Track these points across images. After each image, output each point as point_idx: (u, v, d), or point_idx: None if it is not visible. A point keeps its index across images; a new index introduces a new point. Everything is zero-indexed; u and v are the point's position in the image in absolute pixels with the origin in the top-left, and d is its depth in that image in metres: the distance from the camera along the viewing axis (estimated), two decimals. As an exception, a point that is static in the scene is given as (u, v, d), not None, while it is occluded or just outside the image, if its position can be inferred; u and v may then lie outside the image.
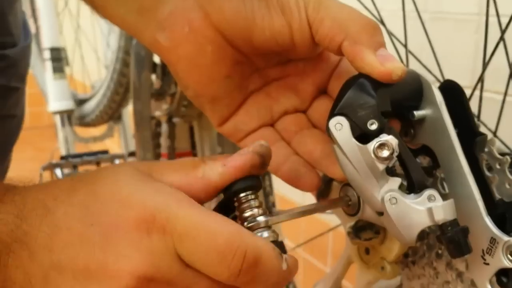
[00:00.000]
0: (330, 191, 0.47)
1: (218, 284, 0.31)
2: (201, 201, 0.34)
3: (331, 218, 0.48)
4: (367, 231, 0.44)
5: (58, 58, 1.46)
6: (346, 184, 0.43)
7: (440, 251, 0.44)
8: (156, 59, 0.90)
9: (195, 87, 0.40)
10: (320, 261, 1.37)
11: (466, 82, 0.49)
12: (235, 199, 0.35)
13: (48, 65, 1.45)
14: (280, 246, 0.33)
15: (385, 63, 0.35)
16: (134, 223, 0.30)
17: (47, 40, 1.47)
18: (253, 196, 0.35)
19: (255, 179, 0.35)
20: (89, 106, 1.46)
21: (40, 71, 1.63)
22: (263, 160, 0.34)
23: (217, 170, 0.33)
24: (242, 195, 0.34)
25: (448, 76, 0.51)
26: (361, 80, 0.36)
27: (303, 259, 1.43)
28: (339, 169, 0.37)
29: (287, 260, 0.33)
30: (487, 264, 0.37)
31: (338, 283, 0.52)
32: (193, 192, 0.33)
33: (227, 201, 0.35)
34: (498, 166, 0.40)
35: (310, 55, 0.40)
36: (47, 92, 1.48)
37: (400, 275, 0.48)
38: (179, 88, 0.90)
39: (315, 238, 0.72)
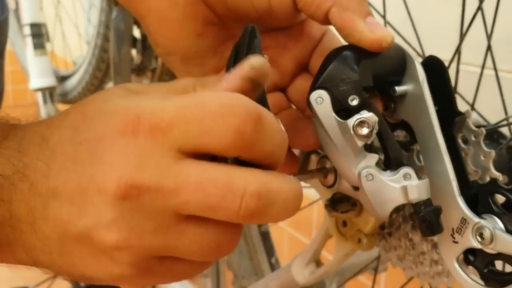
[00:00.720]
0: (308, 164, 0.47)
1: (211, 169, 0.28)
2: None
3: (315, 193, 0.48)
4: (344, 203, 0.44)
5: (39, 34, 1.43)
6: (323, 156, 0.43)
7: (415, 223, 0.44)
8: (136, 33, 0.88)
9: (165, 43, 0.39)
10: (305, 235, 1.38)
11: (448, 56, 0.49)
12: None
13: (29, 41, 1.43)
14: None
15: (374, 30, 0.34)
16: (119, 130, 0.28)
17: (27, 15, 1.44)
18: None
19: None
20: (71, 82, 1.44)
21: (21, 48, 1.60)
22: (255, 85, 0.30)
23: None
24: None
25: (428, 48, 0.51)
26: (344, 53, 0.35)
27: (288, 233, 1.44)
28: (306, 137, 0.37)
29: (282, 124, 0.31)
30: (456, 242, 0.37)
31: (317, 255, 0.52)
32: None
33: None
34: (473, 138, 0.40)
35: (289, 23, 0.39)
36: (28, 69, 1.46)
37: (378, 247, 0.48)
38: (159, 61, 0.89)
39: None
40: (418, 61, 0.37)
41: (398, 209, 0.45)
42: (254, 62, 0.30)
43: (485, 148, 0.39)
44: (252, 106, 0.28)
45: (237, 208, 0.28)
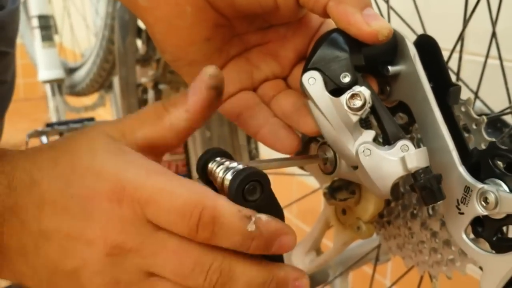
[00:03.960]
0: (308, 152, 0.47)
1: (186, 244, 0.33)
2: (175, 147, 0.37)
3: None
4: (342, 191, 0.44)
5: (47, 26, 1.44)
6: (323, 143, 0.43)
7: (414, 211, 0.43)
8: (141, 24, 0.88)
9: (173, 51, 0.39)
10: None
11: (452, 45, 0.48)
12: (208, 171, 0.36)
13: (37, 33, 1.44)
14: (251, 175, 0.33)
15: (371, 22, 0.34)
16: (107, 195, 0.32)
17: (35, 7, 1.45)
18: (223, 159, 0.35)
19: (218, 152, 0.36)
20: (79, 74, 1.45)
21: (29, 40, 1.61)
22: (218, 91, 0.35)
23: (182, 117, 0.35)
24: (210, 165, 0.35)
25: (435, 37, 0.50)
26: (334, 35, 0.36)
27: (296, 225, 1.44)
28: (309, 122, 0.37)
29: (259, 223, 0.33)
30: (462, 213, 0.37)
31: (317, 244, 0.52)
32: (167, 141, 0.35)
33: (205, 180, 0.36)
34: (474, 127, 0.40)
35: (292, 18, 0.40)
36: (37, 61, 1.47)
37: (378, 236, 0.48)
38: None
39: (299, 200, 0.73)
40: (409, 39, 0.37)
41: (397, 197, 0.45)
42: (210, 71, 0.35)
43: (486, 136, 0.39)
44: (210, 209, 0.32)
45: (203, 278, 0.32)
